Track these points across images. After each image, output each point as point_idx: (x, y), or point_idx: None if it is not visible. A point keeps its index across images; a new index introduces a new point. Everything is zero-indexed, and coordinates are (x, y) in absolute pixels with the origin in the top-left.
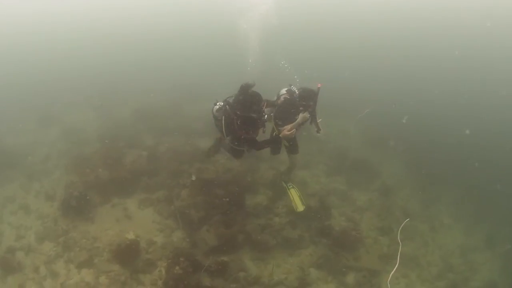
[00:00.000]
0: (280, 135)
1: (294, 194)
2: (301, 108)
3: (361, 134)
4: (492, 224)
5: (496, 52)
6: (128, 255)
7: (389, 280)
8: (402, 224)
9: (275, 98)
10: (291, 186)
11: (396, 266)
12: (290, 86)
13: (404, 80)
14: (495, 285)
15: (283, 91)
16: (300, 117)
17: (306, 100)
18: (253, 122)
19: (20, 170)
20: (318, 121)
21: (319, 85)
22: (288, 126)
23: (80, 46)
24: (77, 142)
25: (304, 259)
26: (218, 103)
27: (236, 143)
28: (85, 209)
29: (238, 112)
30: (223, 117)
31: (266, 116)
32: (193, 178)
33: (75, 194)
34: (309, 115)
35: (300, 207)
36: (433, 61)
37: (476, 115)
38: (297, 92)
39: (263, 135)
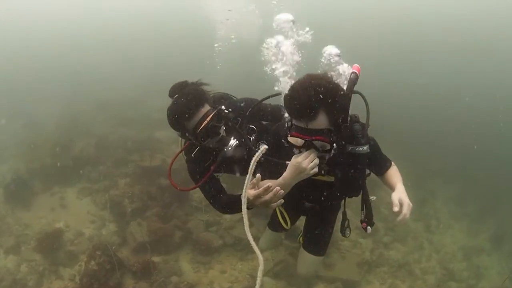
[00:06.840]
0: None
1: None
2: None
3: None
4: (499, 221)
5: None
6: (52, 245)
7: None
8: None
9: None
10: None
11: None
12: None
13: (397, 67)
14: None
15: None
16: (290, 166)
17: (295, 115)
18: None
19: None
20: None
21: (354, 69)
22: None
23: (51, 44)
24: (35, 132)
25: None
26: None
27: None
28: (25, 196)
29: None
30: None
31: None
32: None
33: (17, 180)
34: (316, 162)
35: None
36: (431, 49)
37: (481, 98)
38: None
39: None
